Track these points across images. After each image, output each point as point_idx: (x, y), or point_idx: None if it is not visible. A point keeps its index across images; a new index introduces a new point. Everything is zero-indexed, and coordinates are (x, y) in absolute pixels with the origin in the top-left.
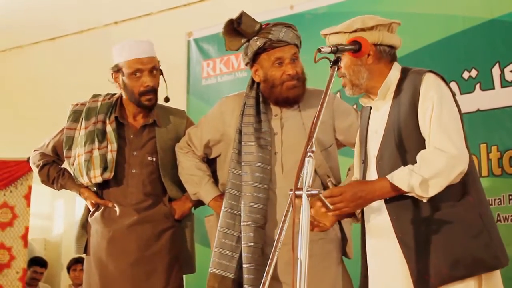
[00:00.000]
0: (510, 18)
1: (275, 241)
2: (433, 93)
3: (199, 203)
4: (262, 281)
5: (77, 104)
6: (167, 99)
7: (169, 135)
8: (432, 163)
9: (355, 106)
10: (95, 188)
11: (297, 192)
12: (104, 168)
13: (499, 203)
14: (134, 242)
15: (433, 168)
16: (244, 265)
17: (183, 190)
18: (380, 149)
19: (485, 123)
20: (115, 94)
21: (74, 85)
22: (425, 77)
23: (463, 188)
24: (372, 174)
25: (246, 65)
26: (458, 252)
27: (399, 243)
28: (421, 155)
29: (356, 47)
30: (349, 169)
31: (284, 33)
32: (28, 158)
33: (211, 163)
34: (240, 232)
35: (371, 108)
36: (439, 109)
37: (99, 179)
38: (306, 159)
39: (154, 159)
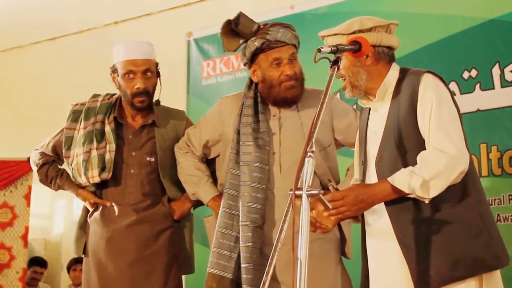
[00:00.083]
0: (510, 18)
1: (275, 241)
2: (431, 94)
3: (198, 203)
4: (262, 281)
5: (76, 104)
6: (157, 103)
7: (169, 135)
8: (432, 164)
9: (354, 107)
10: (93, 188)
11: (297, 192)
12: (102, 168)
13: (499, 203)
14: (132, 242)
15: (434, 169)
16: (243, 265)
17: (182, 190)
18: (379, 150)
19: (485, 123)
20: (114, 94)
21: (74, 85)
22: (423, 77)
23: (463, 188)
24: (372, 175)
25: (245, 65)
26: (458, 253)
27: (399, 244)
28: (421, 156)
29: (356, 47)
30: (347, 169)
31: (282, 33)
32: (28, 158)
33: (210, 163)
34: (238, 232)
35: (370, 109)
36: (438, 110)
37: (97, 179)
38: (306, 159)
39: (152, 159)
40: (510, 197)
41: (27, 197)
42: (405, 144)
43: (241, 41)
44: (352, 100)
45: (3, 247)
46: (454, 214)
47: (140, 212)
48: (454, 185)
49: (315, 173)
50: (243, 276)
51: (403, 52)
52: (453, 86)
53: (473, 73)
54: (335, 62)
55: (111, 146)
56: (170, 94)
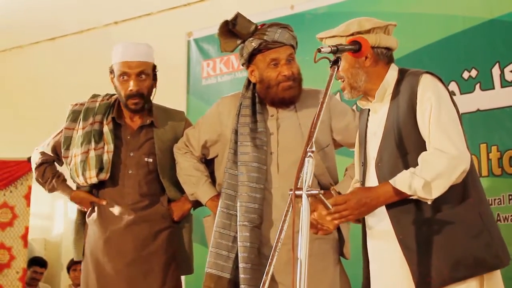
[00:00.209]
0: (510, 18)
1: (275, 241)
2: (430, 94)
3: (198, 204)
4: (262, 281)
5: (76, 104)
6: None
7: (168, 136)
8: (433, 164)
9: (354, 107)
10: (88, 189)
11: (297, 192)
12: (100, 169)
13: (499, 203)
14: (130, 242)
15: (435, 170)
16: (240, 265)
17: (182, 191)
18: (379, 151)
19: (485, 123)
20: (114, 94)
21: (74, 85)
22: (422, 78)
23: (463, 189)
24: (372, 176)
25: (242, 65)
26: (459, 253)
27: (400, 244)
28: (422, 157)
29: (356, 47)
30: (346, 170)
31: (279, 34)
32: (28, 158)
33: (209, 163)
34: (236, 232)
35: (369, 110)
36: (437, 110)
37: (94, 180)
38: (306, 159)
39: (150, 160)
40: (510, 197)
41: (27, 197)
42: (405, 145)
43: (239, 41)
44: (352, 100)
45: (3, 247)
46: (455, 214)
47: (138, 212)
48: (454, 186)
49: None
50: (241, 276)
51: (403, 52)
52: (453, 86)
53: (473, 73)
54: (335, 62)
55: (109, 147)
56: (170, 94)
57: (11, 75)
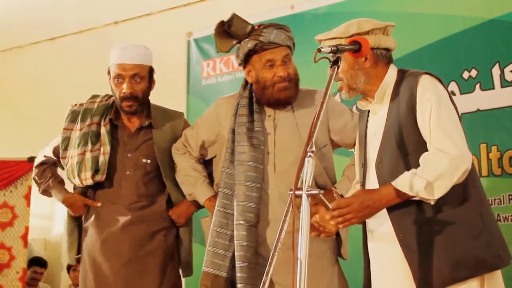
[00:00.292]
0: (510, 18)
1: (275, 241)
2: (430, 95)
3: (201, 205)
4: (262, 281)
5: (75, 105)
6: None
7: (167, 136)
8: (435, 165)
9: (354, 108)
10: (80, 190)
11: (297, 192)
12: (96, 171)
13: (499, 203)
14: (127, 242)
15: (437, 170)
16: (237, 263)
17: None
18: (379, 152)
19: (485, 123)
20: (112, 95)
21: (74, 85)
22: (421, 79)
23: (464, 189)
24: (372, 177)
25: (239, 65)
26: (459, 253)
27: (400, 245)
28: (423, 158)
29: (356, 47)
30: (344, 170)
31: (275, 34)
32: (28, 158)
33: (208, 164)
34: (233, 231)
35: (369, 111)
36: (437, 110)
37: (90, 181)
38: (306, 159)
39: (148, 161)
40: (510, 197)
41: (27, 197)
42: (405, 146)
43: (234, 42)
44: (352, 100)
45: (3, 247)
46: (455, 215)
47: (135, 213)
48: (455, 186)
49: None
50: (238, 274)
51: (402, 52)
52: (453, 86)
53: (473, 73)
54: (335, 62)
55: (105, 148)
56: (170, 94)
57: (11, 75)
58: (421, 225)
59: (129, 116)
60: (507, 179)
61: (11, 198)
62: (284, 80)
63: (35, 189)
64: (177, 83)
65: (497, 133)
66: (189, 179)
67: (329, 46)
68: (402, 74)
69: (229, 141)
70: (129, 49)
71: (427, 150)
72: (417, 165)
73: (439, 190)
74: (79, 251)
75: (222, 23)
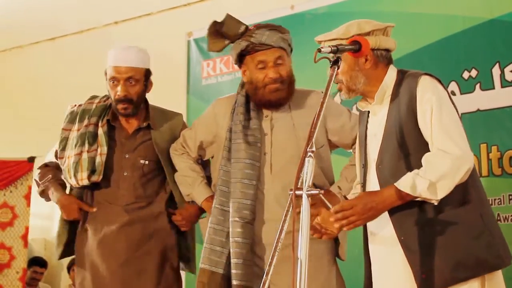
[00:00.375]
0: (510, 18)
1: (275, 241)
2: (430, 95)
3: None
4: (262, 281)
5: (75, 105)
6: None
7: (166, 137)
8: (437, 165)
9: (354, 108)
10: (77, 190)
11: (297, 192)
12: (92, 171)
13: (499, 203)
14: (124, 243)
15: (439, 171)
16: (233, 260)
17: None
18: (379, 153)
19: (485, 123)
20: None
21: (74, 85)
22: (420, 79)
23: (464, 189)
24: (373, 178)
25: (235, 64)
26: (460, 254)
27: (401, 246)
28: (425, 159)
29: (356, 47)
30: (342, 171)
31: (267, 36)
32: (28, 158)
33: (206, 164)
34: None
35: (369, 112)
36: (438, 111)
37: (85, 182)
38: (306, 159)
39: (146, 162)
40: (510, 197)
41: (27, 197)
42: (406, 146)
43: (227, 42)
44: (351, 100)
45: (3, 247)
46: (455, 215)
47: (132, 213)
48: (456, 186)
49: None
50: (233, 271)
51: (402, 53)
52: (453, 86)
53: (473, 73)
54: (335, 62)
55: (102, 149)
56: (170, 94)
57: (11, 75)
58: (422, 226)
59: (127, 117)
60: (507, 179)
61: (11, 198)
62: (275, 81)
63: (35, 189)
64: (177, 83)
65: (497, 133)
66: (187, 179)
67: (329, 46)
68: (401, 75)
69: (227, 139)
70: (125, 51)
71: (428, 150)
72: (418, 165)
73: (442, 190)
74: (69, 252)
75: (214, 23)
